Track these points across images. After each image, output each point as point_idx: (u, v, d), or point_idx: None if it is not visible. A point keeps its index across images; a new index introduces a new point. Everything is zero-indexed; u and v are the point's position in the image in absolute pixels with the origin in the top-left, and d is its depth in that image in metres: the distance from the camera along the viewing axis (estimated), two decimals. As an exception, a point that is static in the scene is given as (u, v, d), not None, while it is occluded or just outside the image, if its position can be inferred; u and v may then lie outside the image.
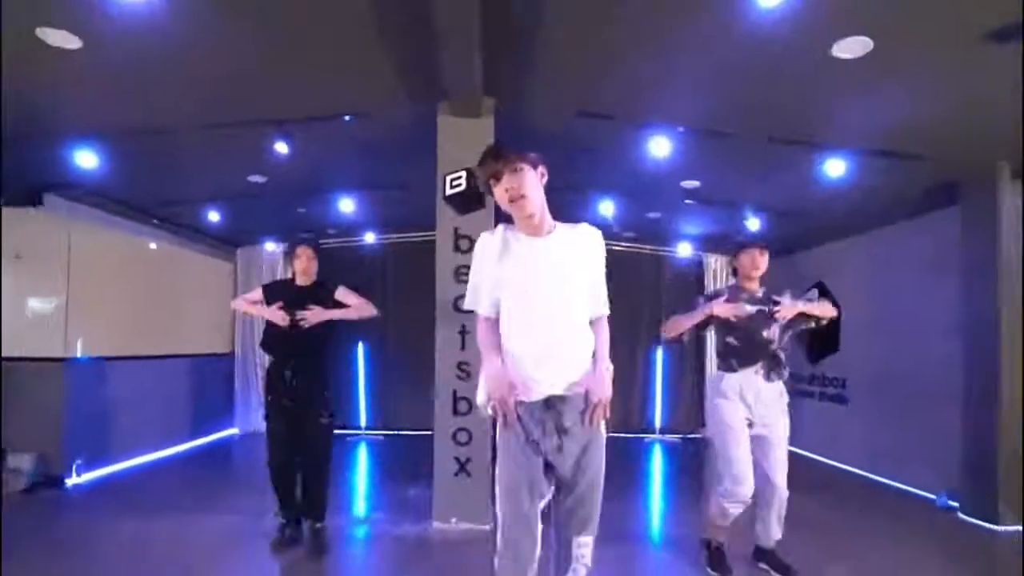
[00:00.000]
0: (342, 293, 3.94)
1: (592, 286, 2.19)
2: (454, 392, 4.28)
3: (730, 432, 3.35)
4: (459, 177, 4.26)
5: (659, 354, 8.51)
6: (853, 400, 6.61)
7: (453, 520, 4.23)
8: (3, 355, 5.11)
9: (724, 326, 3.43)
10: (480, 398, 2.17)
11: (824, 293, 7.12)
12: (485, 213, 4.19)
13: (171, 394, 7.06)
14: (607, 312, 2.25)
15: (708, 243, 8.28)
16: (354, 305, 3.92)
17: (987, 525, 4.53)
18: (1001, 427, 4.52)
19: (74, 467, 5.36)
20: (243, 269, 8.38)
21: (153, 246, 6.80)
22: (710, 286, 8.40)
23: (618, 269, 9.47)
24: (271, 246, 8.25)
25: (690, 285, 8.57)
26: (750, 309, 3.38)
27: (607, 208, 6.19)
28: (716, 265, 8.49)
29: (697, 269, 8.60)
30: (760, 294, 3.49)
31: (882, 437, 6.03)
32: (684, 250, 8.45)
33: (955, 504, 4.92)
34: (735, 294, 3.50)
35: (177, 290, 7.19)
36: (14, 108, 3.87)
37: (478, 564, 3.31)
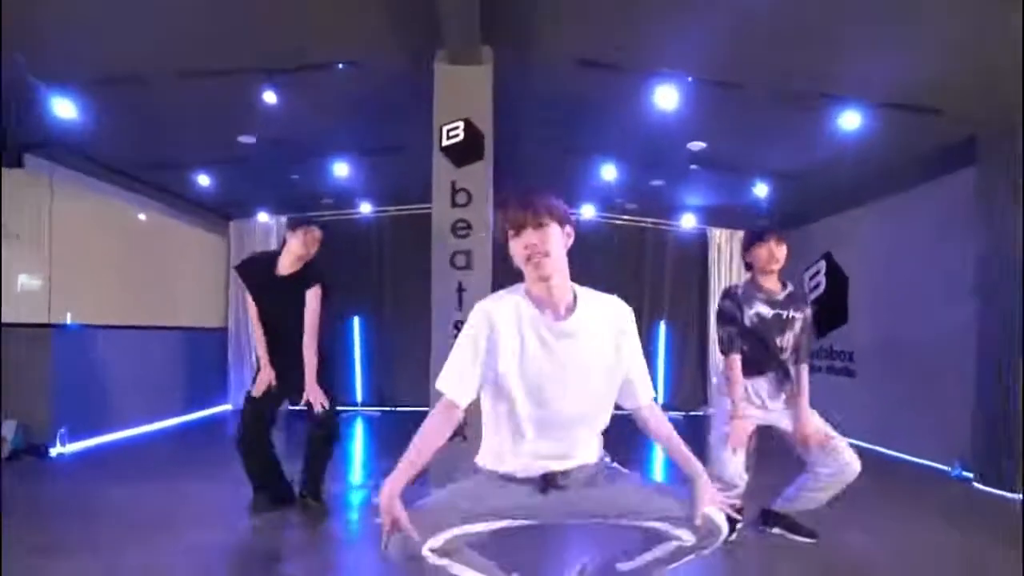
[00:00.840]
0: (310, 294, 3.58)
1: (634, 376, 1.91)
2: (451, 353, 4.09)
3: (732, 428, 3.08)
4: (456, 128, 4.08)
5: (662, 331, 8.35)
6: (861, 373, 6.44)
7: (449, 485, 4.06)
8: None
9: (741, 330, 3.09)
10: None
11: (831, 266, 6.97)
12: (483, 165, 4.00)
13: (162, 366, 6.89)
14: (654, 394, 1.97)
15: (713, 215, 8.07)
16: (307, 329, 3.55)
17: (1004, 494, 4.38)
18: (1021, 395, 4.35)
19: (58, 436, 5.19)
20: (236, 242, 8.19)
21: (143, 217, 6.61)
22: (714, 262, 8.23)
23: (620, 243, 9.10)
24: (264, 217, 8.05)
25: (694, 260, 8.42)
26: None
27: (609, 173, 6.00)
28: (720, 239, 8.28)
29: (701, 243, 8.40)
30: (782, 296, 3.11)
31: (892, 409, 5.86)
32: (688, 222, 8.24)
33: (969, 474, 4.77)
34: (751, 292, 3.13)
35: (168, 261, 7.02)
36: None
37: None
